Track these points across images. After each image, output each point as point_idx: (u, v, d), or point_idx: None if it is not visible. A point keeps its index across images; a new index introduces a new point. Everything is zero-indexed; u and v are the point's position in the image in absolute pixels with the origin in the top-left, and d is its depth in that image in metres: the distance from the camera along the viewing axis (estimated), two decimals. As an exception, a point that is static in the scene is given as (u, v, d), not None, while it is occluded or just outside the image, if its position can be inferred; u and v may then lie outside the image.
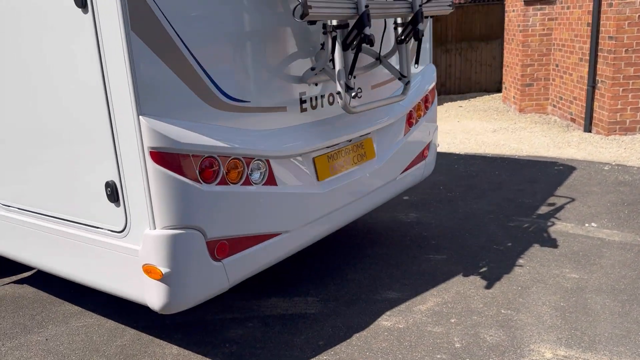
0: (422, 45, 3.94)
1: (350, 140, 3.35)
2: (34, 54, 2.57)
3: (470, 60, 13.39)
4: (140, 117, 2.22)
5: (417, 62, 3.38)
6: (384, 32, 3.41)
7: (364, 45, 3.25)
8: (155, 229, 2.34)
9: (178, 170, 2.31)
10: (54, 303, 3.68)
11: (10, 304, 3.72)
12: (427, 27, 4.15)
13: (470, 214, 4.96)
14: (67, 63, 2.41)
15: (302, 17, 2.40)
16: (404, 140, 3.86)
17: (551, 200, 5.19)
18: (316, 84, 3.08)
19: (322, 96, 3.18)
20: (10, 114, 2.85)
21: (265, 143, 2.72)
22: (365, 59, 3.42)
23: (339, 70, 2.79)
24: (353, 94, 2.89)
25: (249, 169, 2.64)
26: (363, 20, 2.67)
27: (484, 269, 3.87)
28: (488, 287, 3.63)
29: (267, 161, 2.73)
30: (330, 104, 3.26)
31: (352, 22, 2.72)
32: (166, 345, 3.14)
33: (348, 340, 3.10)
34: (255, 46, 2.69)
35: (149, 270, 2.39)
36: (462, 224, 4.71)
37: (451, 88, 13.46)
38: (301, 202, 2.97)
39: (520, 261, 3.97)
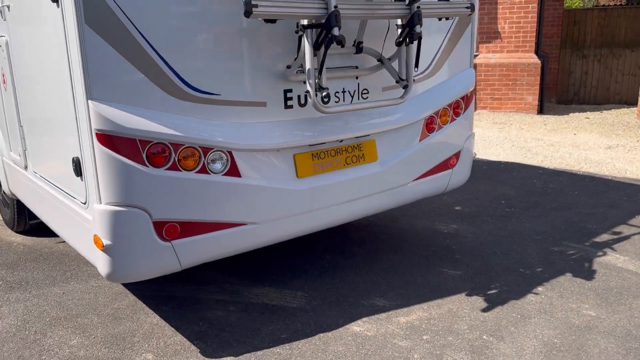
0: (462, 46, 3.79)
1: (342, 141, 3.32)
2: (33, 46, 2.96)
3: (610, 68, 12.13)
4: (89, 101, 2.46)
5: (416, 65, 3.23)
6: (387, 33, 3.32)
7: (366, 46, 3.23)
8: (100, 203, 2.59)
9: (122, 152, 2.52)
10: (88, 264, 4.15)
11: (55, 259, 4.27)
12: (470, 29, 3.94)
13: (516, 232, 4.59)
14: (50, 52, 2.74)
15: (245, 15, 2.46)
16: (419, 146, 3.71)
17: (619, 229, 4.61)
18: (304, 82, 3.10)
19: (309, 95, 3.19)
20: (29, 99, 3.31)
21: (230, 135, 2.82)
22: (369, 60, 3.37)
23: (308, 70, 2.79)
24: (324, 94, 2.87)
25: (207, 159, 2.77)
26: (330, 21, 2.65)
27: (493, 291, 3.60)
28: (485, 310, 3.38)
29: (230, 153, 2.84)
30: (325, 103, 3.25)
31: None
32: (151, 314, 3.40)
33: (309, 339, 3.10)
34: (228, 40, 2.80)
35: (96, 240, 2.64)
36: (500, 242, 4.39)
37: (585, 98, 12.32)
38: (273, 196, 3.03)
39: (539, 289, 3.62)
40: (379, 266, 4.01)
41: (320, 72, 2.81)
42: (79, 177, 2.72)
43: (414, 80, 3.42)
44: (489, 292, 3.58)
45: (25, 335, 3.21)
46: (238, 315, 3.37)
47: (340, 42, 2.70)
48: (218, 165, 2.82)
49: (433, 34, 3.72)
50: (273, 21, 2.77)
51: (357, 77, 3.37)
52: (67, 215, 3.03)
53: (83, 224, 2.79)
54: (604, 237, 4.46)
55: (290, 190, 3.09)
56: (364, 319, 3.29)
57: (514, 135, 8.70)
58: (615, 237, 4.45)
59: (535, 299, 3.49)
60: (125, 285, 3.77)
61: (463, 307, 3.41)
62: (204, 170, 2.77)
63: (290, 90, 3.08)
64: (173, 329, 3.24)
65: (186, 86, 2.70)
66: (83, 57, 2.40)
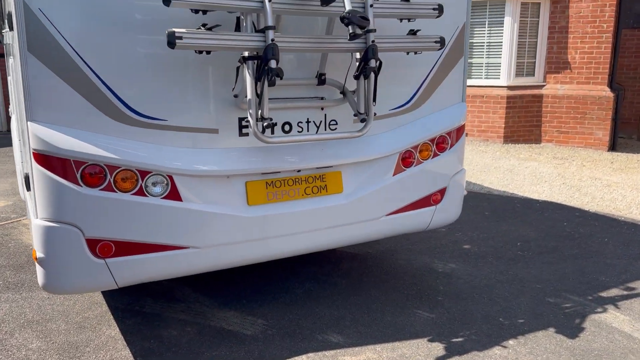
0: (452, 81, 3.68)
1: (300, 171, 3.30)
2: (13, 71, 3.23)
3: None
4: (28, 122, 2.63)
5: (374, 99, 3.14)
6: (350, 65, 3.26)
7: (330, 78, 3.21)
8: (37, 218, 2.74)
9: (56, 171, 2.66)
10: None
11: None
12: (462, 62, 3.80)
13: (516, 278, 4.30)
14: (16, 76, 2.96)
15: (169, 46, 2.53)
16: (393, 180, 3.60)
17: (636, 285, 4.18)
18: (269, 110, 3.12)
19: (273, 124, 3.21)
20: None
21: (171, 160, 2.90)
22: (336, 91, 3.34)
23: (249, 100, 2.81)
24: (265, 124, 2.88)
25: (145, 182, 2.86)
26: (267, 53, 2.66)
27: (458, 339, 3.39)
28: (440, 358, 3.18)
29: (170, 177, 2.91)
30: (286, 132, 3.26)
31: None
32: (113, 326, 3.54)
33: (245, 368, 3.08)
34: (175, 66, 2.88)
35: (33, 252, 2.80)
36: (493, 288, 4.13)
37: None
38: (218, 221, 3.06)
39: (511, 342, 3.36)
40: (353, 300, 3.91)
41: (260, 103, 2.82)
42: (29, 192, 2.90)
43: (375, 113, 3.34)
44: (454, 340, 3.37)
45: (-5, 334, 3.44)
46: (191, 336, 3.42)
47: (278, 75, 2.70)
48: (158, 189, 2.90)
49: (416, 67, 3.62)
50: (208, 52, 2.83)
51: (322, 108, 3.34)
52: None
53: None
54: (613, 292, 4.06)
55: (238, 217, 3.11)
56: (310, 354, 3.22)
57: (571, 172, 8.15)
58: (626, 293, 4.03)
59: (501, 352, 3.24)
60: (104, 294, 3.94)
61: (418, 352, 3.24)
62: (141, 193, 2.86)
63: (245, 118, 3.11)
64: (125, 343, 3.34)
65: (130, 111, 2.81)
66: (25, 82, 2.59)
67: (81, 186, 2.71)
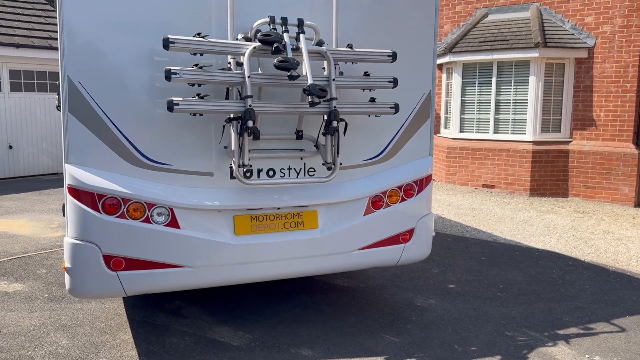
0: (420, 138, 4.36)
1: (279, 208, 4.02)
2: None
3: None
4: (65, 164, 3.52)
5: (338, 152, 3.85)
6: (321, 125, 4.00)
7: (306, 134, 3.98)
8: (67, 236, 3.59)
9: (83, 201, 3.51)
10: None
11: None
12: (429, 123, 4.47)
13: (485, 314, 4.78)
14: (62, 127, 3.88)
15: (169, 109, 3.37)
16: (364, 219, 4.25)
17: (595, 325, 4.57)
18: (249, 159, 3.90)
19: (259, 170, 3.98)
20: None
21: (173, 196, 3.70)
22: (311, 145, 4.08)
23: (232, 151, 3.60)
24: (245, 170, 3.64)
25: (151, 212, 3.67)
26: (245, 115, 3.46)
27: (411, 359, 3.92)
28: (389, 373, 3.74)
29: (171, 209, 3.71)
30: (270, 177, 4.02)
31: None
32: (128, 333, 4.30)
33: (224, 369, 3.75)
34: (180, 123, 3.73)
35: (63, 263, 3.64)
36: (461, 321, 4.62)
37: None
38: (209, 247, 3.81)
39: (457, 364, 3.87)
40: (332, 324, 4.51)
41: (241, 153, 3.60)
42: (64, 217, 3.77)
43: (341, 163, 4.05)
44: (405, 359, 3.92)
45: (36, 333, 4.28)
46: (187, 344, 4.13)
47: (255, 132, 3.48)
48: (161, 218, 3.70)
49: (386, 127, 4.33)
50: (201, 114, 3.65)
51: (301, 158, 4.08)
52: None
53: (66, 250, 3.82)
54: (571, 330, 4.46)
55: (226, 244, 3.85)
56: (280, 363, 3.85)
57: (585, 225, 8.43)
58: (582, 332, 4.43)
59: (444, 371, 3.75)
60: (125, 307, 4.74)
61: (372, 367, 3.80)
62: (147, 221, 3.66)
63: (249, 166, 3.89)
64: (134, 345, 4.09)
65: (143, 157, 3.66)
66: (64, 134, 3.49)
67: (101, 213, 3.55)
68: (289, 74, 3.49)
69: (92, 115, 3.51)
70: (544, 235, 7.72)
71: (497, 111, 11.25)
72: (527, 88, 10.82)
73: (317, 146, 4.02)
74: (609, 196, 10.51)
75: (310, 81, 3.50)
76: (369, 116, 4.16)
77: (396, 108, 3.95)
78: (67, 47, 3.43)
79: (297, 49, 3.61)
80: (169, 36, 3.34)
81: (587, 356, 4.01)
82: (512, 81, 11.01)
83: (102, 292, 3.68)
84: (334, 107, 3.69)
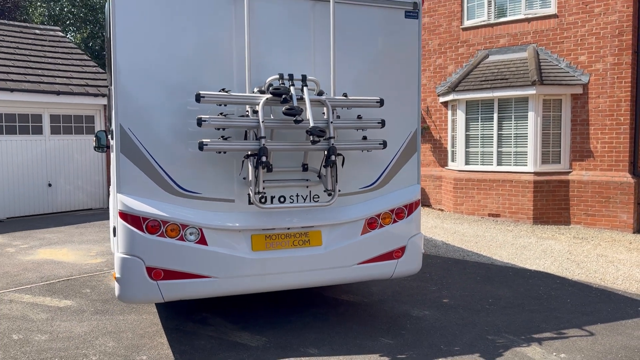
0: (409, 168, 5.16)
1: (289, 229, 4.83)
2: None
3: None
4: (117, 193, 4.40)
5: (336, 181, 4.68)
6: (323, 159, 4.82)
7: (311, 166, 4.82)
8: (118, 252, 4.44)
9: (132, 224, 4.37)
10: (147, 306, 6.03)
11: (131, 300, 6.23)
12: (416, 156, 5.28)
13: (472, 323, 5.45)
14: (114, 163, 4.78)
15: (200, 149, 4.25)
16: (361, 238, 5.03)
17: (567, 330, 5.22)
18: (263, 188, 4.74)
19: (272, 197, 4.82)
20: None
21: (202, 218, 4.54)
22: (315, 176, 4.91)
23: (250, 181, 4.45)
24: (259, 196, 4.48)
25: (184, 231, 4.51)
26: (259, 153, 4.32)
27: (403, 356, 4.63)
28: (382, 366, 4.45)
29: (200, 229, 4.54)
30: (281, 202, 4.85)
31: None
32: (163, 337, 5.09)
33: (244, 363, 4.51)
34: (208, 160, 4.60)
35: (114, 274, 4.48)
36: (449, 327, 5.30)
37: None
38: (231, 260, 4.62)
39: (440, 360, 4.57)
40: (336, 330, 5.24)
41: (257, 183, 4.45)
42: (115, 237, 4.63)
43: (339, 190, 4.85)
44: (399, 356, 4.62)
45: (87, 337, 5.10)
46: (212, 345, 4.90)
47: (267, 166, 4.33)
48: (192, 237, 4.53)
49: (379, 160, 5.14)
50: (225, 152, 4.52)
51: (307, 187, 4.91)
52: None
53: (116, 264, 4.67)
54: (545, 334, 5.12)
55: (245, 258, 4.66)
56: (291, 359, 4.59)
57: (582, 250, 9.02)
58: (555, 335, 5.08)
59: (429, 365, 4.45)
60: (160, 318, 5.54)
61: (368, 362, 4.53)
62: (182, 239, 4.50)
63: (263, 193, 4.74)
64: (169, 346, 4.88)
65: (178, 187, 4.53)
66: (117, 169, 4.38)
67: (145, 233, 4.40)
68: (294, 119, 4.36)
69: (139, 154, 4.41)
70: (540, 259, 8.35)
71: (499, 144, 12.00)
72: (527, 122, 11.57)
73: (319, 176, 4.85)
74: (608, 223, 11.08)
75: (311, 124, 4.35)
76: (362, 151, 4.98)
77: (384, 144, 4.78)
78: (120, 101, 4.35)
79: (301, 99, 4.48)
80: (200, 92, 4.24)
81: (554, 354, 4.67)
82: (513, 116, 11.79)
83: (145, 298, 4.49)
84: (332, 144, 4.53)
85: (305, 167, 4.82)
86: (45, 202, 12.86)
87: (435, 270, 7.57)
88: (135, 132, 4.38)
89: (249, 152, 4.45)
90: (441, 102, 13.38)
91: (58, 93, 12.58)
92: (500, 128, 11.96)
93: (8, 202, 12.28)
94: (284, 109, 4.34)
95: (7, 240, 9.76)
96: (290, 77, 4.54)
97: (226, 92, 4.38)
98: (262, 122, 4.35)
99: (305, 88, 4.51)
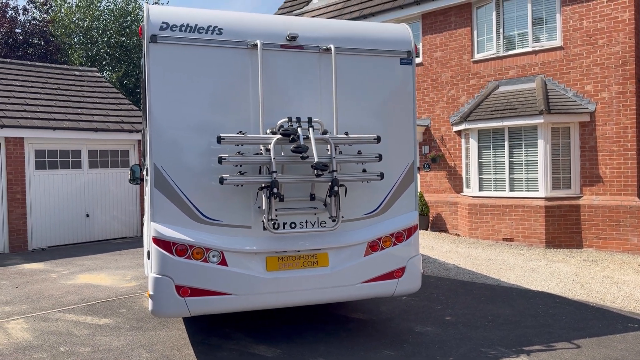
0: (407, 196, 5.79)
1: (299, 251, 5.49)
2: None
3: None
4: (151, 222, 5.14)
5: (339, 209, 5.34)
6: (327, 189, 5.48)
7: (318, 196, 5.50)
8: (151, 272, 5.16)
9: (163, 248, 5.08)
10: (175, 322, 6.71)
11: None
12: (413, 186, 5.92)
13: (469, 337, 5.97)
14: (148, 197, 5.53)
15: (220, 182, 4.97)
16: (364, 259, 5.64)
17: (556, 344, 5.69)
18: (276, 216, 5.43)
19: (284, 223, 5.50)
20: None
21: (223, 243, 5.23)
22: (321, 204, 5.58)
23: (264, 209, 5.15)
24: (272, 223, 5.17)
25: (208, 254, 5.20)
26: (272, 185, 5.02)
27: (400, 365, 5.20)
28: (381, 372, 5.02)
29: (222, 252, 5.23)
30: (292, 228, 5.53)
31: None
32: (190, 350, 5.75)
33: (260, 370, 5.14)
34: (228, 193, 5.31)
35: (147, 292, 5.18)
36: (448, 341, 5.83)
37: None
38: (248, 280, 5.27)
39: (434, 368, 5.11)
40: (344, 343, 5.82)
41: (269, 211, 5.13)
42: (149, 260, 5.35)
43: (342, 217, 5.50)
44: (397, 365, 5.18)
45: (124, 350, 5.80)
46: (233, 356, 5.52)
47: (279, 196, 5.02)
48: (215, 259, 5.22)
49: (380, 190, 5.79)
50: (242, 185, 5.23)
51: (315, 214, 5.58)
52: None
53: (149, 284, 5.38)
54: (535, 347, 5.61)
55: (260, 277, 5.32)
56: (301, 367, 5.20)
57: (589, 272, 9.40)
58: (544, 348, 5.57)
59: (423, 372, 5.00)
60: (188, 334, 6.22)
61: (370, 369, 5.10)
62: (205, 261, 5.19)
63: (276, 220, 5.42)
64: (195, 357, 5.54)
65: (203, 216, 5.25)
66: (151, 202, 5.13)
67: (174, 256, 5.11)
68: (300, 155, 5.06)
69: (170, 189, 5.15)
70: (546, 281, 8.77)
71: (511, 171, 12.49)
72: (537, 150, 12.06)
73: (325, 204, 5.51)
74: (619, 246, 11.40)
75: (316, 159, 5.04)
76: (362, 182, 5.64)
77: (382, 175, 5.43)
78: (154, 143, 5.12)
79: (307, 138, 5.19)
80: (221, 135, 4.99)
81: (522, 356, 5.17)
82: (523, 144, 12.30)
83: (174, 312, 5.18)
84: (335, 176, 5.21)
85: (312, 197, 5.49)
86: (84, 231, 13.80)
87: (443, 291, 8.08)
88: (167, 169, 5.14)
89: (263, 185, 5.14)
90: (454, 131, 13.97)
91: (96, 130, 13.61)
92: (511, 155, 12.46)
93: (50, 232, 13.24)
94: (292, 147, 5.05)
95: (50, 266, 10.64)
96: (298, 119, 5.25)
97: (243, 134, 5.11)
98: (273, 159, 5.06)
99: (311, 129, 5.21)
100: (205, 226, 5.24)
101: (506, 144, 12.47)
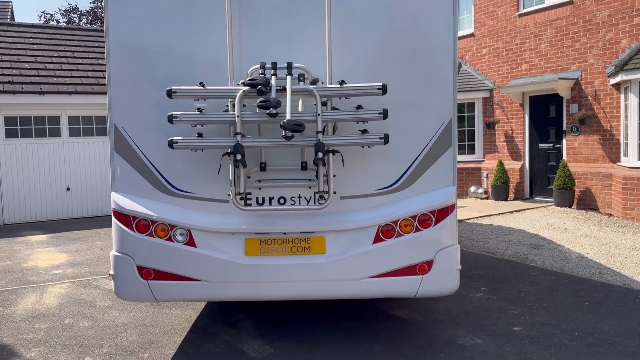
0: (440, 167, 4.37)
1: (285, 233, 4.37)
2: None
3: None
4: (112, 192, 4.45)
5: (327, 183, 4.06)
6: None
7: (310, 165, 4.33)
8: (113, 250, 4.50)
9: (123, 222, 4.37)
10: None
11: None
12: (451, 152, 4.41)
13: (512, 335, 4.37)
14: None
15: (169, 147, 4.03)
16: (373, 247, 4.32)
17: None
18: (259, 188, 4.39)
19: (271, 198, 4.43)
20: None
21: (190, 219, 4.35)
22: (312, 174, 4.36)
23: (230, 181, 4.12)
24: (240, 197, 4.11)
25: (173, 232, 4.36)
26: (234, 150, 3.96)
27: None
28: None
29: (189, 230, 4.36)
30: (281, 204, 4.44)
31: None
32: (181, 337, 5.06)
33: (225, 375, 4.23)
34: (200, 160, 4.39)
35: (109, 271, 4.54)
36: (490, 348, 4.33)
37: None
38: (220, 265, 4.33)
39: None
40: (355, 350, 4.62)
41: (236, 182, 4.10)
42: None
43: (335, 192, 4.21)
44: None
45: (119, 329, 5.32)
46: (218, 351, 4.70)
47: (243, 164, 3.97)
48: (181, 238, 4.37)
49: (401, 157, 4.38)
50: (202, 150, 4.23)
51: (310, 187, 4.40)
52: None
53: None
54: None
55: (236, 263, 4.34)
56: (276, 377, 4.17)
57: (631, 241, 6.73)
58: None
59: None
60: (200, 316, 5.54)
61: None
62: (170, 239, 4.37)
63: (249, 193, 4.41)
64: (177, 347, 4.83)
65: (171, 187, 4.41)
66: (111, 168, 4.44)
67: (135, 232, 4.38)
68: (267, 112, 3.90)
69: (132, 154, 4.40)
70: (596, 248, 6.40)
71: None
72: None
73: (317, 176, 4.28)
74: None
75: (288, 117, 3.84)
76: (362, 147, 4.27)
77: (385, 139, 4.01)
78: (113, 98, 4.39)
79: (283, 89, 4.00)
80: (172, 87, 4.05)
81: None
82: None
83: (138, 296, 4.48)
84: (320, 139, 3.96)
85: (303, 166, 4.31)
86: (64, 207, 12.87)
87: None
88: (129, 130, 4.39)
89: (230, 150, 4.11)
90: (611, 85, 11.19)
91: (74, 93, 12.40)
92: None
93: (25, 208, 12.36)
94: (257, 101, 3.92)
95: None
96: (273, 65, 4.09)
97: (203, 86, 4.11)
98: (238, 116, 3.99)
99: (288, 77, 4.01)
100: (175, 199, 4.42)
101: (677, 99, 9.54)
